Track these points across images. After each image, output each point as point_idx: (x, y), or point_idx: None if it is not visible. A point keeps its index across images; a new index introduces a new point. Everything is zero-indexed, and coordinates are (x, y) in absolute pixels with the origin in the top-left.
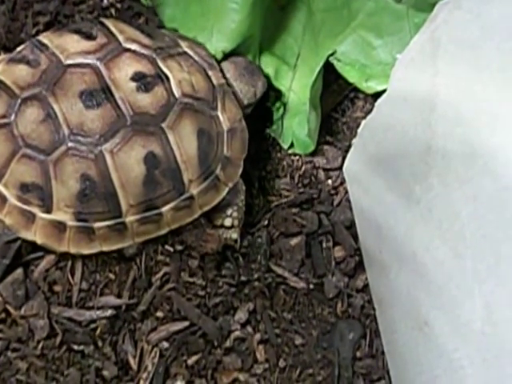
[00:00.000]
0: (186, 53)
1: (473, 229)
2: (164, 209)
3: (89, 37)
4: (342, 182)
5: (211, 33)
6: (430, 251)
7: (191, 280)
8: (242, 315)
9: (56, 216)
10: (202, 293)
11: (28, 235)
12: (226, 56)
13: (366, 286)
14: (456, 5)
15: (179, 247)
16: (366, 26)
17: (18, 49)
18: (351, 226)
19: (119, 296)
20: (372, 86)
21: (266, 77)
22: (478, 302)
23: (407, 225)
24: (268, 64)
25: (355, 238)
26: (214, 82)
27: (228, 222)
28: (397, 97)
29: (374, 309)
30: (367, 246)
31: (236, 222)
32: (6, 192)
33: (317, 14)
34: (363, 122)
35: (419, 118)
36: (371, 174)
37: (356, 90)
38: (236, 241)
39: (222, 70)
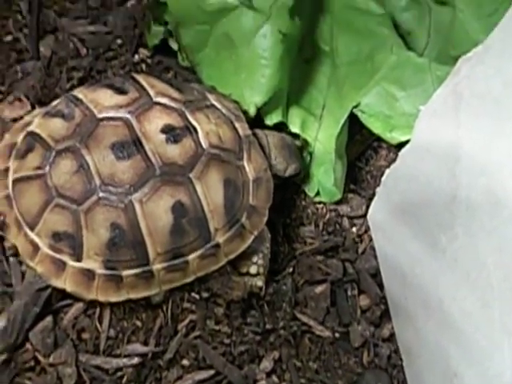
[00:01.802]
0: (213, 105)
1: (499, 279)
2: (190, 257)
3: (121, 91)
4: (367, 230)
5: (244, 88)
6: (457, 301)
7: (217, 328)
8: (267, 364)
9: (86, 264)
10: (227, 341)
11: (58, 283)
12: (259, 110)
13: (393, 335)
14: (478, 60)
15: (205, 294)
16: (389, 78)
17: (54, 103)
18: (376, 274)
19: (146, 343)
20: (396, 137)
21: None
22: (508, 353)
23: (433, 274)
24: (295, 115)
25: (380, 286)
26: (241, 133)
27: (253, 269)
28: (420, 147)
29: (401, 359)
30: (393, 294)
31: (261, 270)
32: (38, 241)
33: (341, 67)
34: (387, 171)
35: (443, 168)
36: (396, 222)
37: (379, 139)
38: (261, 288)
39: (252, 129)
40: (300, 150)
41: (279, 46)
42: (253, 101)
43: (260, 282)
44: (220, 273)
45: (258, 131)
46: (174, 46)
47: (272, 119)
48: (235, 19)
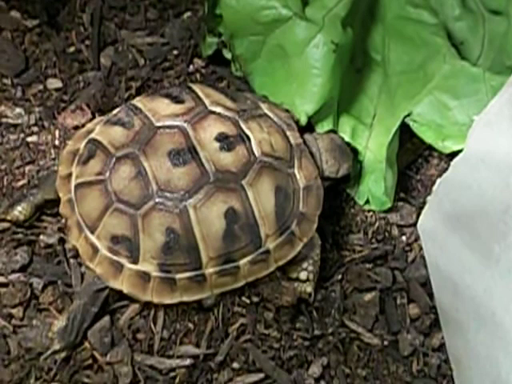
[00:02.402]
0: (265, 114)
1: None
2: (241, 262)
3: (178, 101)
4: (417, 239)
5: (295, 97)
6: (510, 312)
7: (266, 332)
8: (315, 369)
9: (142, 267)
10: (276, 345)
11: (116, 284)
12: (310, 118)
13: (443, 345)
14: None
15: (255, 299)
16: (442, 87)
17: (114, 112)
18: (426, 284)
19: (197, 346)
20: (448, 146)
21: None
22: None
23: (486, 284)
24: (345, 123)
25: (430, 295)
26: (292, 141)
27: (303, 275)
28: (474, 157)
29: (450, 369)
30: (443, 304)
31: (311, 276)
32: (98, 243)
33: (392, 76)
34: (438, 180)
35: (498, 178)
36: (447, 231)
37: (430, 148)
38: (310, 295)
39: (302, 134)
40: (350, 147)
41: (331, 56)
42: (304, 109)
43: (309, 288)
44: (270, 278)
45: (308, 136)
46: (228, 55)
47: (323, 127)
48: (288, 30)
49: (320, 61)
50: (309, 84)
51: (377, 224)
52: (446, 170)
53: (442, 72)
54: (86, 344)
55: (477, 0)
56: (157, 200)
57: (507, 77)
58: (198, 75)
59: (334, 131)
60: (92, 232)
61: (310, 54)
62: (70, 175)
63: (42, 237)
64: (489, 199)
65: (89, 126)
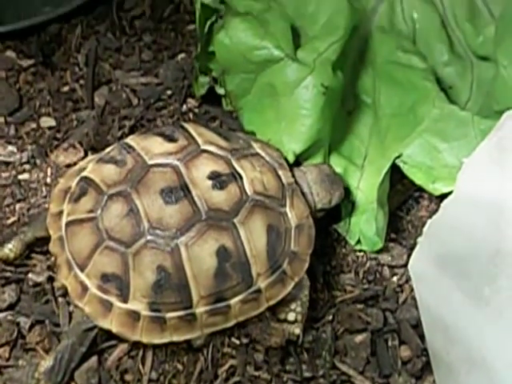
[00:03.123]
0: (258, 154)
1: None
2: (232, 301)
3: (171, 139)
4: (408, 280)
5: (283, 136)
6: (501, 355)
7: (256, 374)
8: None
9: (132, 306)
10: None
11: (105, 324)
12: (298, 157)
13: None
14: None
15: (245, 340)
16: (432, 130)
17: (107, 150)
18: (417, 325)
19: None
20: (438, 188)
21: (345, 189)
22: None
23: (476, 327)
24: (336, 164)
25: (422, 337)
26: (284, 180)
27: (291, 316)
28: (464, 199)
29: None
30: (434, 346)
31: (299, 317)
32: (87, 282)
33: (383, 118)
34: (429, 222)
35: (487, 220)
36: (438, 273)
37: (420, 189)
38: (298, 336)
39: (291, 170)
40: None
41: (321, 98)
42: (291, 148)
43: (297, 330)
44: (259, 319)
45: (297, 171)
46: (220, 91)
47: None
48: (279, 70)
49: (309, 102)
50: (297, 124)
51: (368, 264)
52: (436, 211)
53: (431, 115)
54: None
55: (465, 46)
56: (148, 238)
57: (495, 121)
58: (191, 114)
59: (322, 162)
60: (82, 270)
61: (300, 95)
62: (61, 213)
63: (30, 275)
64: (479, 241)
65: (81, 164)
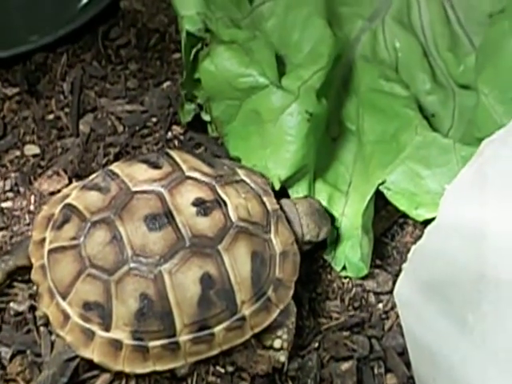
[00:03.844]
0: (242, 180)
1: None
2: (216, 329)
3: (155, 166)
4: (393, 307)
5: (268, 162)
6: (486, 382)
7: None
8: None
9: (114, 334)
10: None
11: (86, 353)
12: (283, 183)
13: None
14: (502, 142)
15: (230, 368)
16: (415, 157)
17: (91, 177)
18: (403, 353)
19: None
20: (421, 214)
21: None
22: None
23: (461, 354)
24: (321, 190)
25: (408, 364)
26: (269, 207)
27: (277, 343)
28: (446, 225)
29: None
30: (420, 374)
31: (285, 345)
32: (69, 310)
33: (367, 145)
34: (413, 248)
35: (470, 246)
36: (423, 299)
37: (405, 215)
38: (283, 364)
39: (279, 200)
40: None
41: (305, 125)
42: (277, 174)
43: (283, 358)
44: (245, 346)
45: (286, 201)
46: (206, 117)
47: (298, 192)
48: (264, 97)
49: (294, 128)
50: (282, 150)
51: (353, 291)
52: (420, 237)
53: (414, 143)
54: None
55: (447, 75)
56: (131, 265)
57: (477, 148)
58: (176, 142)
59: (311, 196)
60: (64, 298)
61: (285, 122)
62: (43, 240)
63: (12, 304)
64: (462, 268)
65: (65, 191)
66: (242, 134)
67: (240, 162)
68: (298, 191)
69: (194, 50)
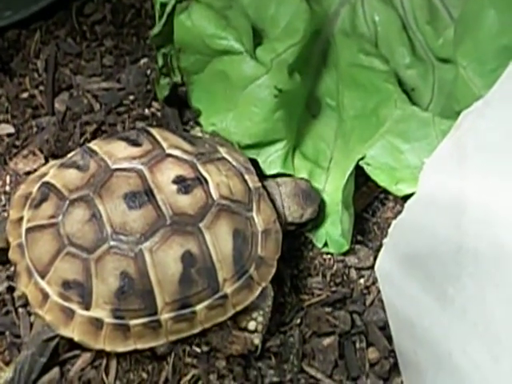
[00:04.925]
0: (224, 158)
1: (508, 331)
2: (198, 307)
3: (135, 144)
4: (375, 282)
5: (231, 126)
6: (467, 354)
7: (221, 382)
8: None
9: (94, 313)
10: None
11: (66, 332)
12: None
13: None
14: (479, 113)
15: (205, 348)
16: (394, 132)
17: (69, 155)
18: (385, 327)
19: None
20: (401, 189)
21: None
22: None
23: (442, 326)
24: (302, 167)
25: (389, 338)
26: (251, 185)
27: (252, 325)
28: (426, 199)
29: None
30: (402, 347)
31: (260, 327)
32: (48, 289)
33: (347, 121)
34: (393, 223)
35: (449, 219)
36: (403, 273)
37: (386, 191)
38: (257, 347)
39: (258, 174)
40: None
41: (272, 100)
42: (235, 138)
43: (257, 340)
44: (220, 327)
45: (270, 182)
46: (183, 93)
47: (270, 169)
48: (237, 63)
49: (260, 101)
50: (245, 118)
51: (335, 267)
52: (401, 212)
53: (393, 117)
54: None
55: (426, 49)
56: (111, 243)
57: (456, 121)
58: (153, 119)
59: (302, 178)
60: (42, 277)
61: (253, 92)
62: (21, 219)
63: None
64: (441, 240)
65: (42, 169)
66: (207, 88)
67: (200, 114)
68: (270, 167)
69: (172, 1)
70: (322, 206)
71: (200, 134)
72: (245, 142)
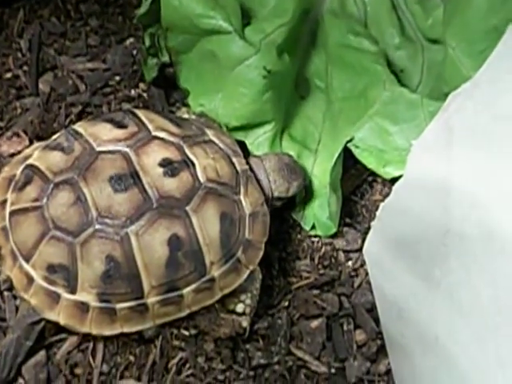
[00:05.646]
0: (211, 140)
1: (493, 312)
2: (185, 290)
3: (121, 126)
4: (362, 264)
5: (218, 105)
6: (453, 335)
7: (209, 364)
8: None
9: (80, 297)
10: (221, 377)
11: (52, 316)
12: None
13: (389, 370)
14: (467, 95)
15: (193, 331)
16: (382, 113)
17: (54, 137)
18: (372, 309)
19: (139, 379)
20: (389, 172)
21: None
22: None
23: (428, 308)
24: (290, 149)
25: (376, 321)
26: (238, 168)
27: (240, 308)
28: (413, 181)
29: None
30: (389, 329)
31: (248, 310)
32: (33, 273)
33: (335, 102)
34: (381, 206)
35: (436, 201)
36: (391, 256)
37: (374, 173)
38: (245, 329)
39: (247, 157)
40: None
41: (261, 81)
42: (223, 120)
43: (245, 323)
44: (208, 310)
45: (254, 158)
46: (170, 74)
47: (258, 150)
48: (225, 43)
49: (249, 82)
50: (234, 99)
51: (323, 250)
52: (389, 195)
53: (381, 98)
54: (21, 380)
55: (416, 30)
56: (96, 227)
57: (443, 103)
58: (140, 100)
59: (282, 152)
60: (27, 261)
61: (241, 73)
62: (4, 202)
63: None
64: (428, 223)
65: (27, 151)
66: (195, 68)
67: (188, 94)
68: (258, 148)
69: None
70: (307, 179)
71: (186, 116)
72: (233, 123)
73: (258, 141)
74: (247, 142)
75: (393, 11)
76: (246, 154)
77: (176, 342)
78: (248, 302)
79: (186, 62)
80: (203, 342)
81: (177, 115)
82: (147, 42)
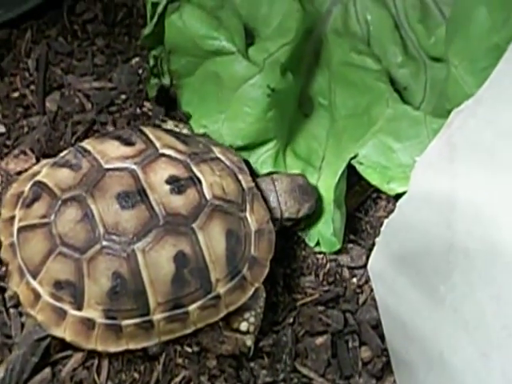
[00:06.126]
0: (217, 158)
1: (498, 328)
2: (191, 307)
3: (128, 143)
4: (367, 281)
5: (223, 128)
6: (458, 351)
7: (212, 383)
8: None
9: (86, 313)
10: None
11: (58, 332)
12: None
13: None
14: (470, 112)
15: (196, 348)
16: (386, 131)
17: (62, 154)
18: (377, 326)
19: None
20: (393, 188)
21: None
22: None
23: (433, 324)
24: (294, 166)
25: (382, 337)
26: (244, 185)
27: (244, 326)
28: (417, 197)
29: None
30: (394, 346)
31: (252, 328)
32: (40, 289)
33: (339, 120)
34: (386, 222)
35: (440, 217)
36: (395, 272)
37: (378, 190)
38: (250, 348)
39: (251, 174)
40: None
41: (265, 99)
42: (228, 140)
43: (249, 342)
44: (211, 327)
45: (265, 178)
46: (173, 93)
47: (262, 168)
48: (228, 63)
49: (253, 101)
50: (238, 119)
51: (328, 266)
52: (393, 211)
53: (385, 116)
54: None
55: (418, 48)
56: (104, 243)
57: (446, 120)
58: (145, 118)
59: (299, 173)
60: (34, 277)
61: (245, 93)
62: (12, 218)
63: None
64: (432, 239)
65: (35, 168)
66: (198, 91)
67: (190, 118)
68: (262, 167)
69: (163, 2)
70: (319, 200)
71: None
72: (238, 143)
73: (261, 159)
74: (251, 161)
75: (395, 30)
76: (255, 173)
77: (179, 360)
78: (252, 320)
79: (188, 86)
80: (206, 360)
81: (182, 132)
82: (151, 62)
